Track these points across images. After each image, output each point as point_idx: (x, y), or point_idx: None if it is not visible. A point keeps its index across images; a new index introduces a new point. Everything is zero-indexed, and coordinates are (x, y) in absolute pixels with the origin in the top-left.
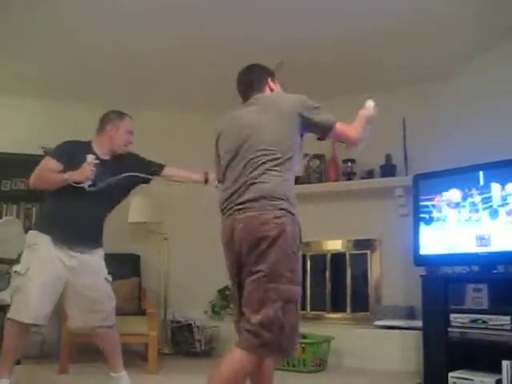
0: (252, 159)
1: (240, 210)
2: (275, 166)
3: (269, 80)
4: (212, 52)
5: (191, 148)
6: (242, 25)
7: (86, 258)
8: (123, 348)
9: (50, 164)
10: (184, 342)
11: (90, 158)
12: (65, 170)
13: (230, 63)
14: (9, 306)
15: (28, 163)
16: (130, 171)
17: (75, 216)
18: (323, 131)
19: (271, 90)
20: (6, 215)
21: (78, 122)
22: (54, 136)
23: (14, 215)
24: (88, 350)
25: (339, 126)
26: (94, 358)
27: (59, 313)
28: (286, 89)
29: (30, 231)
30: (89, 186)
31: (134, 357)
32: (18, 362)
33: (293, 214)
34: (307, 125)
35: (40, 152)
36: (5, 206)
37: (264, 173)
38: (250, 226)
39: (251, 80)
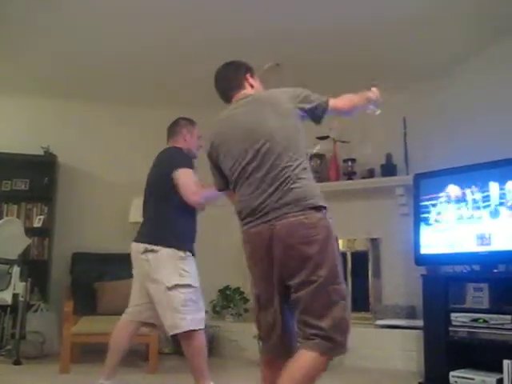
0: (274, 164)
1: (277, 215)
2: (301, 167)
3: (248, 76)
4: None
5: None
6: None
7: None
8: None
9: (193, 176)
10: None
11: None
12: None
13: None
14: (8, 305)
15: (29, 163)
16: None
17: (195, 226)
18: (319, 115)
19: (251, 86)
20: (6, 215)
21: (78, 122)
22: (55, 136)
23: (15, 215)
24: (89, 350)
25: (332, 104)
26: (94, 357)
27: (60, 313)
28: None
29: (170, 250)
30: None
31: (135, 356)
32: (19, 363)
33: (321, 208)
34: (304, 115)
35: (41, 152)
36: (5, 206)
37: (294, 176)
38: (296, 231)
39: (229, 78)
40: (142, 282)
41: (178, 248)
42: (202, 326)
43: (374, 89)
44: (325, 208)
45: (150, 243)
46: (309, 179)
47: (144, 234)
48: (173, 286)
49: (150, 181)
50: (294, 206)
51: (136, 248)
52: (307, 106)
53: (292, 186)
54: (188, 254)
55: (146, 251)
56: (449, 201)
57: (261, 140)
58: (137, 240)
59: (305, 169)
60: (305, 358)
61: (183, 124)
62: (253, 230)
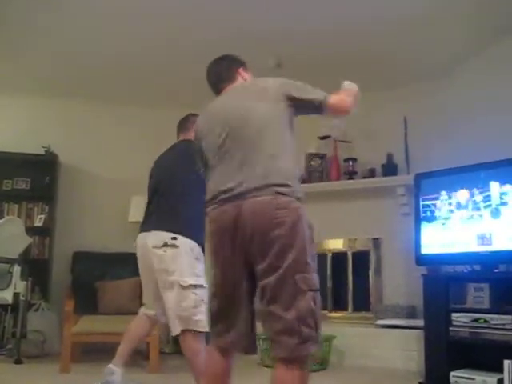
0: (250, 147)
1: (246, 196)
2: (276, 151)
3: (240, 70)
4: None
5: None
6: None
7: None
8: None
9: None
10: None
11: None
12: None
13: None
14: (9, 305)
15: (29, 163)
16: None
17: (204, 219)
18: (317, 109)
19: (244, 79)
20: (7, 214)
21: (79, 121)
22: (56, 136)
23: (16, 214)
24: (90, 350)
25: (332, 99)
26: (95, 357)
27: (60, 313)
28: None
29: (191, 242)
30: None
31: (136, 356)
32: (19, 362)
33: (300, 200)
34: (299, 106)
35: (42, 152)
36: (6, 205)
37: (267, 159)
38: (264, 211)
39: (221, 71)
40: (150, 276)
41: (197, 242)
42: (208, 329)
43: (347, 82)
44: (297, 195)
45: (170, 231)
46: (282, 164)
47: (161, 220)
48: (188, 286)
49: (168, 173)
50: (264, 188)
51: (148, 240)
52: (301, 96)
53: (263, 171)
54: (202, 253)
55: (166, 245)
56: (449, 201)
57: (239, 126)
58: (148, 228)
59: (280, 148)
60: (281, 374)
61: (192, 121)
62: (219, 209)
